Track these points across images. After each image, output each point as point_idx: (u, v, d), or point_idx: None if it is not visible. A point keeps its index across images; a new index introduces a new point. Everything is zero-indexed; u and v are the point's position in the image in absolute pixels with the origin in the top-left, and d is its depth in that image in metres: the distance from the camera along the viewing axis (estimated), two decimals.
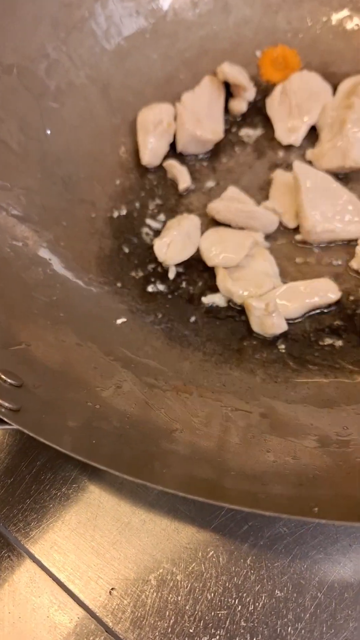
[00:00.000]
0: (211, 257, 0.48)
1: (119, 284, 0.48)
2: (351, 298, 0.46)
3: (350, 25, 0.57)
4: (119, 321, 0.45)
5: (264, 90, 0.57)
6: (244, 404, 0.40)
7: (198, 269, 0.49)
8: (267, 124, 0.56)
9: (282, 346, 0.45)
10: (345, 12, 0.57)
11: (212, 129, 0.54)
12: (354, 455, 0.34)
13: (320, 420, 0.38)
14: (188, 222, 0.49)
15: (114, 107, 0.55)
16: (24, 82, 0.51)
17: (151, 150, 0.53)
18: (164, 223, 0.52)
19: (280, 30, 0.58)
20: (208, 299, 0.48)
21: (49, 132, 0.50)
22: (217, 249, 0.47)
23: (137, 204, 0.53)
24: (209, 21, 0.58)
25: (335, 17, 0.57)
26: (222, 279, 0.46)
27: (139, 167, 0.54)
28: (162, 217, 0.52)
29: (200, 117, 0.53)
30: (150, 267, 0.49)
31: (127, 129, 0.55)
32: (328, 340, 0.44)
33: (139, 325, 0.45)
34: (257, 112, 0.57)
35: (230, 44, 0.58)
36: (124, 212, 0.52)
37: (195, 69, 0.58)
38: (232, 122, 0.57)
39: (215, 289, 0.48)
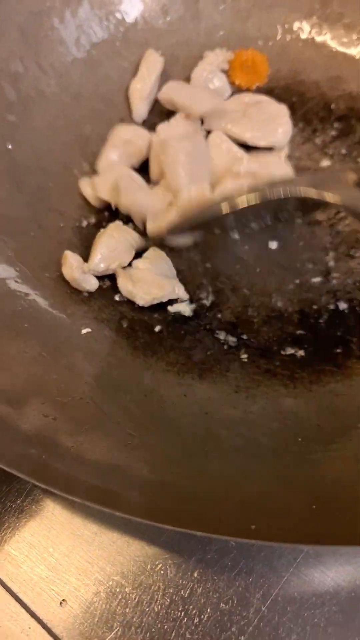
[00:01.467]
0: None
1: (85, 294, 0.48)
2: (314, 307, 0.47)
3: (319, 33, 0.57)
4: (84, 331, 0.45)
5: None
6: (204, 414, 0.41)
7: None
8: None
9: (245, 355, 0.45)
10: (314, 20, 0.57)
11: None
12: (304, 468, 0.34)
13: (276, 431, 0.39)
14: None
15: (85, 116, 0.55)
16: None
17: (108, 164, 0.53)
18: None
19: (251, 37, 0.58)
20: (174, 308, 0.48)
21: (9, 146, 0.50)
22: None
23: (106, 213, 0.53)
24: (180, 28, 0.58)
25: (305, 25, 0.58)
26: (123, 282, 0.47)
27: None
28: (131, 225, 0.52)
29: None
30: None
31: (97, 138, 0.56)
32: (290, 350, 0.45)
33: (103, 335, 0.46)
34: None
35: (201, 51, 0.58)
36: (93, 220, 0.52)
37: (167, 76, 0.58)
38: None
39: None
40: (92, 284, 0.48)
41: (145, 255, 0.48)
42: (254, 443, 0.37)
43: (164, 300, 0.46)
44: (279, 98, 0.57)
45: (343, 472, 0.35)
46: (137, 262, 0.48)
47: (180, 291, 0.47)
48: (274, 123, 0.53)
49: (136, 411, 0.39)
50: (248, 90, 0.57)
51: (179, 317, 0.47)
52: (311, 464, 0.34)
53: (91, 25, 0.56)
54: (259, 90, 0.57)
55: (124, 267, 0.48)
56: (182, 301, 0.48)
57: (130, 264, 0.48)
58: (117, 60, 0.57)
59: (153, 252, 0.49)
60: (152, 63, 0.53)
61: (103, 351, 0.44)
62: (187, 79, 0.58)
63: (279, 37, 0.58)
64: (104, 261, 0.47)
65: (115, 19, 0.57)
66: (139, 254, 0.49)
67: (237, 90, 0.57)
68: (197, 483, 0.33)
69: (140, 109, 0.55)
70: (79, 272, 0.47)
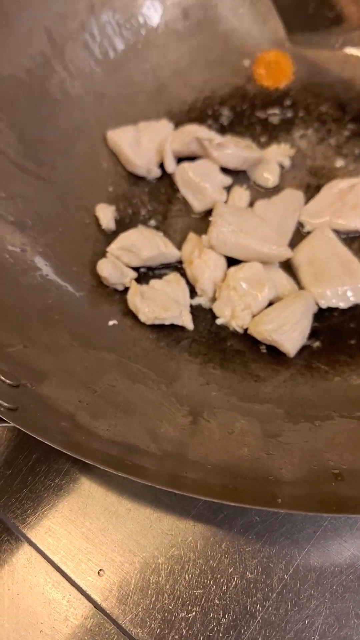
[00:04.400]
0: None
1: (111, 288, 0.51)
2: None
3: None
4: (110, 323, 0.48)
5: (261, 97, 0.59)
6: (226, 401, 0.43)
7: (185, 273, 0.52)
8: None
9: (263, 346, 0.47)
10: None
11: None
12: (320, 451, 0.37)
13: (294, 417, 0.42)
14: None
15: (109, 115, 0.58)
16: (21, 93, 0.54)
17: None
18: (156, 227, 0.55)
19: (268, 40, 0.60)
20: (195, 301, 0.51)
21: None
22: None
23: (130, 210, 0.55)
24: (199, 32, 0.60)
25: None
26: (132, 294, 0.48)
27: (131, 175, 0.57)
28: (153, 222, 0.55)
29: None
30: (142, 270, 0.52)
31: None
32: (307, 342, 0.47)
33: (129, 326, 0.48)
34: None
35: (219, 54, 0.60)
36: (117, 217, 0.55)
37: (185, 78, 0.60)
38: None
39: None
40: (123, 284, 0.50)
41: (165, 277, 0.50)
42: (274, 425, 0.40)
43: (166, 322, 0.47)
44: (296, 99, 0.59)
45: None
46: (154, 282, 0.49)
47: (186, 319, 0.48)
48: None
49: (159, 400, 0.42)
50: (277, 89, 0.58)
51: (200, 309, 0.50)
52: (331, 440, 0.37)
53: (114, 29, 0.58)
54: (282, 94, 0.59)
55: (140, 284, 0.50)
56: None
57: (147, 283, 0.50)
58: (138, 63, 0.59)
59: (174, 277, 0.50)
60: (239, 196, 0.54)
61: (129, 342, 0.47)
62: (205, 82, 0.60)
63: None
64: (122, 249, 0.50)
65: (137, 22, 0.59)
66: (159, 276, 0.51)
67: (265, 89, 0.59)
68: (223, 462, 0.36)
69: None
70: (117, 274, 0.49)
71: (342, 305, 0.49)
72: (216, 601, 0.32)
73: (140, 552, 0.35)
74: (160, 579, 0.34)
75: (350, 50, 0.59)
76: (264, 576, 0.33)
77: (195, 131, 0.54)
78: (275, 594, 0.32)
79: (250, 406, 0.43)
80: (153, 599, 0.33)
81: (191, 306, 0.50)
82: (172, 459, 0.35)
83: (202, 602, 0.32)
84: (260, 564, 0.33)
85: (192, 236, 0.53)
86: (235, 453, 0.37)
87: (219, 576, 0.33)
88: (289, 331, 0.46)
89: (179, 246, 0.53)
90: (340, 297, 0.49)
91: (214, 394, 0.44)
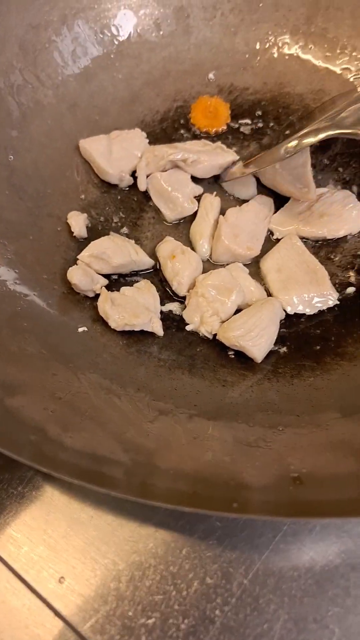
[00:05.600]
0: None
1: (82, 295, 0.51)
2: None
3: (304, 48, 0.60)
4: (80, 329, 0.48)
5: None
6: (193, 406, 0.44)
7: (157, 279, 0.52)
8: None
9: (232, 352, 0.48)
10: (300, 35, 0.60)
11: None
12: (282, 455, 0.37)
13: (258, 422, 0.42)
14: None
15: (81, 125, 0.58)
16: None
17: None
18: (128, 235, 0.55)
19: (239, 51, 0.61)
20: (165, 307, 0.51)
21: (11, 157, 0.52)
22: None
23: (102, 218, 0.56)
24: (171, 42, 0.61)
25: (291, 40, 0.61)
26: (102, 301, 0.48)
27: (104, 183, 0.57)
28: (125, 229, 0.55)
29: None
30: (113, 277, 0.52)
31: None
32: (274, 347, 0.48)
33: (99, 333, 0.48)
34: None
35: (191, 65, 0.61)
36: (88, 225, 0.55)
37: (158, 89, 0.61)
38: None
39: (172, 298, 0.52)
40: (94, 290, 0.50)
41: (136, 285, 0.51)
42: (240, 429, 0.40)
43: (137, 329, 0.47)
44: (266, 109, 0.60)
45: (319, 458, 0.38)
46: (125, 289, 0.50)
47: (156, 326, 0.48)
48: (344, 210, 0.53)
49: (127, 406, 0.42)
50: (207, 133, 0.60)
51: (171, 315, 0.50)
52: (293, 444, 0.37)
53: (87, 39, 0.59)
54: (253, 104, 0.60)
55: (111, 290, 0.50)
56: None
57: (118, 290, 0.50)
58: (111, 72, 0.60)
59: (144, 284, 0.51)
60: (210, 204, 0.55)
61: (98, 348, 0.47)
62: (178, 91, 0.61)
63: (265, 51, 0.61)
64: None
65: (110, 33, 0.60)
66: (130, 283, 0.52)
67: (200, 132, 0.60)
68: (185, 466, 0.36)
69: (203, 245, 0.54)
70: (88, 280, 0.49)
71: (309, 311, 0.50)
72: (176, 607, 0.32)
73: (101, 559, 0.35)
74: (121, 585, 0.34)
75: (320, 62, 0.60)
76: (223, 581, 0.33)
77: (169, 154, 0.55)
78: (234, 599, 0.32)
79: (217, 411, 0.43)
80: (113, 606, 0.33)
81: (162, 313, 0.50)
82: (141, 468, 0.35)
83: (162, 608, 0.32)
84: (221, 569, 0.33)
85: (169, 238, 0.54)
86: (200, 458, 0.37)
87: (179, 582, 0.33)
88: (256, 337, 0.47)
89: (151, 253, 0.54)
90: (307, 303, 0.50)
91: (182, 399, 0.44)
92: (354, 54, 0.59)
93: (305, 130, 0.48)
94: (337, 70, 0.60)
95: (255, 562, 0.33)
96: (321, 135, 0.47)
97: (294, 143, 0.48)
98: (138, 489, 0.32)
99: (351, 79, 0.59)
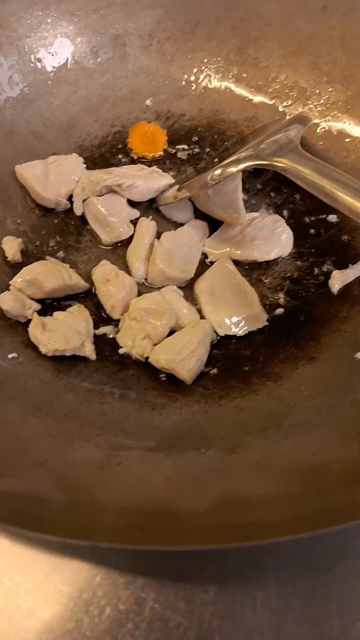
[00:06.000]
0: None
1: (13, 320, 0.51)
2: None
3: (237, 76, 0.63)
4: (10, 355, 0.48)
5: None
6: (120, 430, 0.44)
7: (92, 303, 0.53)
8: None
9: (163, 374, 0.49)
10: (233, 64, 0.62)
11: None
12: (205, 478, 0.38)
13: (185, 444, 0.43)
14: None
15: (18, 151, 0.59)
16: None
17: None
18: (64, 259, 0.56)
19: (175, 78, 0.63)
20: (99, 331, 0.51)
21: None
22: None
23: (38, 242, 0.56)
24: (109, 69, 0.63)
25: (225, 68, 0.63)
26: (33, 327, 0.48)
27: (41, 207, 0.58)
28: (61, 253, 0.56)
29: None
30: (48, 301, 0.53)
31: None
32: (204, 369, 0.49)
33: (30, 359, 0.49)
34: None
35: (129, 91, 0.63)
36: (24, 249, 0.55)
37: (96, 114, 0.62)
38: None
39: (106, 321, 0.52)
40: (25, 316, 0.50)
41: (69, 309, 0.51)
42: (164, 455, 0.41)
43: (67, 354, 0.48)
44: (202, 135, 0.62)
45: (243, 479, 0.39)
46: (57, 313, 0.50)
47: (88, 350, 0.48)
48: (274, 234, 0.55)
49: (54, 432, 0.42)
50: (145, 158, 0.61)
51: (104, 338, 0.51)
52: (208, 469, 0.38)
53: (24, 66, 0.60)
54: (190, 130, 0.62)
55: (45, 315, 0.50)
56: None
57: (52, 314, 0.50)
58: (49, 98, 0.61)
59: (77, 309, 0.51)
60: (146, 228, 0.56)
61: (27, 374, 0.47)
62: (116, 117, 0.62)
63: (200, 78, 0.63)
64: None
65: (47, 59, 0.61)
66: (64, 307, 0.52)
67: (137, 157, 0.61)
68: (119, 500, 0.36)
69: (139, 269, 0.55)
70: (19, 306, 0.50)
71: (239, 333, 0.51)
72: (87, 633, 0.33)
73: (7, 581, 0.35)
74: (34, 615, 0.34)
75: (253, 90, 0.63)
76: (135, 606, 0.33)
77: (104, 179, 0.56)
78: (145, 623, 0.33)
79: (144, 435, 0.44)
80: (30, 637, 0.33)
81: (96, 336, 0.51)
82: (75, 506, 0.35)
83: (74, 634, 0.33)
84: (133, 595, 0.34)
85: (105, 262, 0.55)
86: (129, 486, 0.37)
87: (91, 608, 0.33)
88: (185, 359, 0.48)
89: (87, 277, 0.54)
90: (237, 325, 0.51)
91: (110, 424, 0.45)
92: (284, 82, 0.62)
93: (229, 160, 0.50)
94: (269, 99, 0.62)
95: (166, 586, 0.34)
96: (242, 166, 0.49)
97: (218, 172, 0.50)
98: (76, 530, 0.32)
99: (281, 109, 0.61)
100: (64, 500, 0.35)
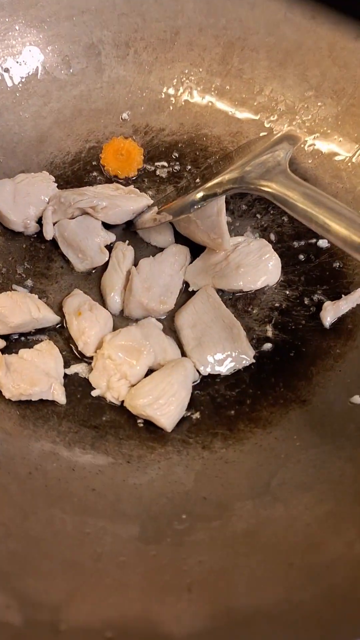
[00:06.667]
0: None
1: None
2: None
3: (221, 88, 0.58)
4: None
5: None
6: (91, 490, 0.39)
7: (63, 337, 0.48)
8: None
9: (141, 420, 0.44)
10: (216, 76, 0.58)
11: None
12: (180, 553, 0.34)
13: (161, 507, 0.38)
14: None
15: None
16: None
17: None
18: (34, 287, 0.51)
19: (154, 90, 0.59)
20: (70, 370, 0.47)
21: None
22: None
23: (4, 269, 0.51)
24: (82, 80, 0.58)
25: (207, 79, 0.58)
26: None
27: (7, 231, 0.53)
28: (30, 282, 0.51)
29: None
30: (13, 336, 0.48)
31: None
32: (186, 413, 0.44)
33: None
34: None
35: (104, 104, 0.58)
36: None
37: (69, 128, 0.57)
38: None
39: (79, 358, 0.47)
40: None
41: (37, 346, 0.46)
42: (138, 525, 0.36)
43: (34, 398, 0.43)
44: (183, 152, 0.58)
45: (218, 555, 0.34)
46: (23, 351, 0.45)
47: (57, 393, 0.44)
48: (261, 261, 0.50)
49: (17, 492, 0.37)
50: (117, 177, 0.56)
51: (76, 379, 0.46)
52: (189, 547, 0.34)
53: None
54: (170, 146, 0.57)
55: (10, 353, 0.45)
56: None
57: (17, 351, 0.45)
58: (17, 111, 0.56)
59: (46, 345, 0.46)
60: (122, 253, 0.52)
61: None
62: (90, 131, 0.57)
63: (181, 90, 0.59)
64: None
65: (14, 68, 0.56)
66: (32, 343, 0.47)
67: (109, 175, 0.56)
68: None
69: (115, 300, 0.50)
70: None
71: (224, 371, 0.47)
72: None
73: None
74: None
75: (237, 104, 0.58)
76: None
77: (77, 201, 0.51)
78: None
79: (118, 498, 0.39)
80: None
81: (67, 376, 0.46)
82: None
83: None
84: None
85: (77, 292, 0.50)
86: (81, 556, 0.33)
87: None
88: (164, 405, 0.43)
89: (59, 307, 0.50)
90: (222, 363, 0.47)
91: (79, 481, 0.40)
92: (270, 95, 0.58)
93: (212, 182, 0.45)
94: (254, 113, 0.58)
95: None
96: (226, 188, 0.44)
97: (200, 194, 0.45)
98: None
99: (267, 124, 0.57)
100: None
